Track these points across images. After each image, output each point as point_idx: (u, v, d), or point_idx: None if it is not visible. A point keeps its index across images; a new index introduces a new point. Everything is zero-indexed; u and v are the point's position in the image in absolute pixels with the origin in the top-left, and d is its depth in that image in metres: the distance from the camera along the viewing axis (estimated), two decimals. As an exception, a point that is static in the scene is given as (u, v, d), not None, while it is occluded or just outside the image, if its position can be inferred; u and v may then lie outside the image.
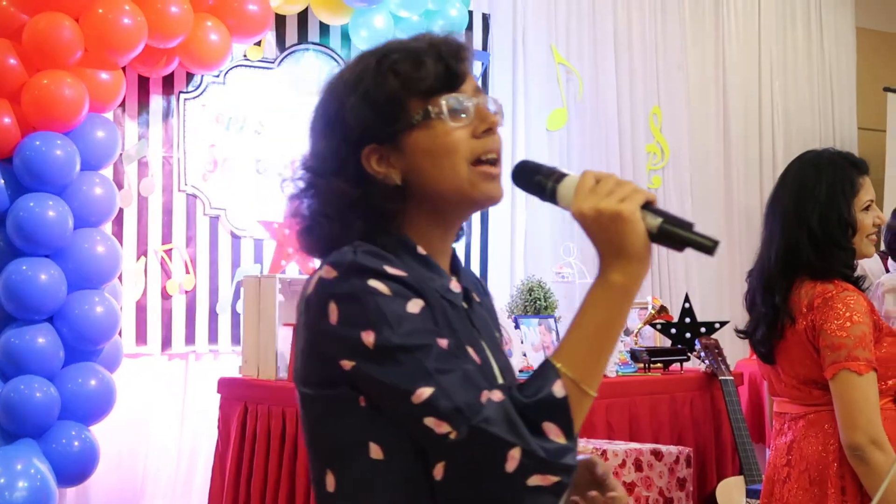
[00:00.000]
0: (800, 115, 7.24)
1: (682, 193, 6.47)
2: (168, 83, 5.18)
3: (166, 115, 5.19)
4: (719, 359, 4.41)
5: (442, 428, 1.34)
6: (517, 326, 4.41)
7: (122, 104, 4.99)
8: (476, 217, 5.93)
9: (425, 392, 1.35)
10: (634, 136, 6.42)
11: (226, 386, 4.35)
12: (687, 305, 4.57)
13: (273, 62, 5.48)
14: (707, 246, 1.41)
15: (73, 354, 4.50)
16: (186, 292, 5.21)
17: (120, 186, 5.01)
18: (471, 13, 5.92)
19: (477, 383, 1.38)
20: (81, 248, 4.51)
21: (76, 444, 4.44)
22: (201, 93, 5.29)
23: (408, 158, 1.49)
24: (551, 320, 4.48)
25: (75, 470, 4.45)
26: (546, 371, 1.40)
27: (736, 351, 5.14)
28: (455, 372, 1.37)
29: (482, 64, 6.01)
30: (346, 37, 5.56)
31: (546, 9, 6.19)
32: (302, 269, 4.69)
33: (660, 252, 6.31)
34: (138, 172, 5.13)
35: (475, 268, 5.87)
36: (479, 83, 5.91)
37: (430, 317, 1.42)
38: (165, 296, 5.16)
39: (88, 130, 4.58)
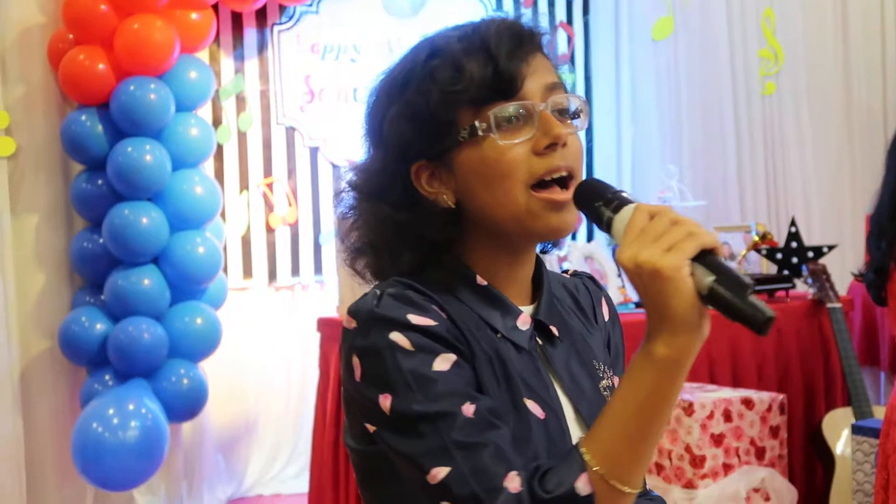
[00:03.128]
0: (926, 9, 6.81)
1: (797, 100, 6.17)
2: (261, 16, 5.17)
3: (261, 48, 5.18)
4: (827, 285, 4.24)
5: None
6: (615, 256, 4.31)
7: (217, 40, 4.99)
8: (580, 135, 5.79)
9: (441, 472, 1.18)
10: (746, 42, 6.13)
11: (324, 326, 4.39)
12: (793, 230, 4.39)
13: (366, -13, 5.40)
14: (757, 322, 1.10)
15: (178, 294, 4.59)
16: (290, 225, 5.25)
17: (218, 122, 5.04)
18: (569, -77, 5.72)
19: (505, 460, 1.18)
20: (181, 190, 4.57)
21: (185, 381, 4.55)
22: (295, 23, 5.26)
23: (459, 179, 1.29)
24: (651, 249, 4.37)
25: (185, 407, 4.58)
26: (571, 460, 1.18)
27: (847, 274, 4.93)
28: (480, 448, 1.19)
29: (583, -25, 5.82)
30: (439, -42, 5.44)
31: (649, -87, 5.92)
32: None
33: (776, 164, 6.06)
34: (236, 107, 5.15)
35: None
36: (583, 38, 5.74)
37: (461, 374, 1.23)
38: (269, 229, 5.21)
39: (181, 72, 4.60)
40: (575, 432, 1.31)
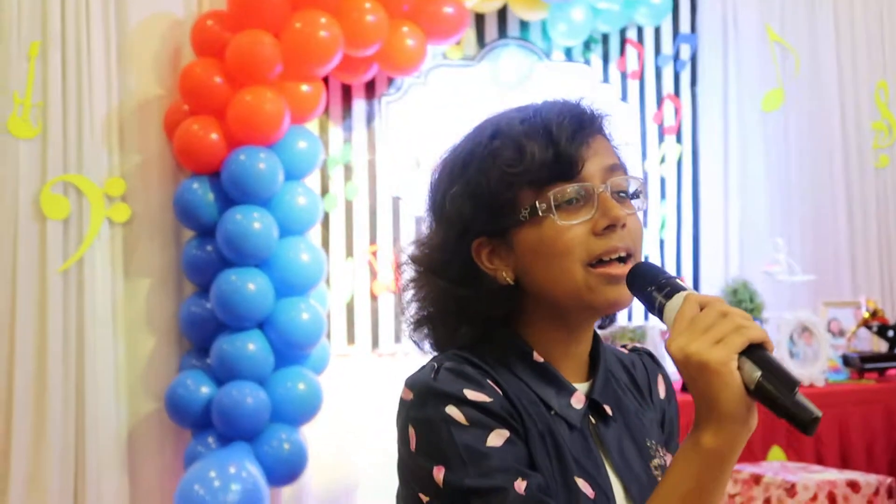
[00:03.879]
0: None
1: (912, 173, 6.05)
2: (370, 88, 5.27)
3: (370, 119, 5.28)
4: (941, 365, 4.11)
5: None
6: (665, 345, 4.24)
7: (327, 111, 5.11)
8: (687, 207, 5.76)
9: None
10: (858, 113, 6.04)
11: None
12: (905, 307, 4.28)
13: (473, 60, 5.47)
14: (804, 421, 1.13)
15: (282, 359, 4.66)
16: (393, 293, 5.30)
17: (326, 191, 5.14)
18: (677, -4, 5.74)
19: None
20: (286, 256, 4.65)
21: (286, 446, 4.60)
22: (403, 94, 5.35)
23: (519, 256, 1.33)
24: (756, 324, 4.29)
25: (286, 471, 4.62)
26: None
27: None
28: None
29: (690, 47, 5.80)
30: (546, 31, 5.48)
31: (758, -15, 5.90)
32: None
33: (891, 238, 5.91)
34: (344, 176, 5.24)
35: (686, 265, 5.69)
36: (689, 69, 5.74)
37: (514, 450, 1.26)
38: (373, 296, 5.27)
39: (290, 142, 4.71)
40: None
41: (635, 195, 1.35)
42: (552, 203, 1.30)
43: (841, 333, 4.45)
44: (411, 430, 1.29)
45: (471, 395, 1.27)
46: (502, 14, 5.47)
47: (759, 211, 5.79)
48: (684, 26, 5.80)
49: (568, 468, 1.29)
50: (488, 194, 1.32)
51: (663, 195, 5.72)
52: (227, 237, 4.53)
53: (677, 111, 5.78)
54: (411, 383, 1.32)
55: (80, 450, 4.64)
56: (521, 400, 1.31)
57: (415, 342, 1.43)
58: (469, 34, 5.41)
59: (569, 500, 1.28)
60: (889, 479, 3.48)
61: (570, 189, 1.30)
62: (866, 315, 4.39)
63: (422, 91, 5.38)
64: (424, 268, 1.39)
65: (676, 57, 5.79)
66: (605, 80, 5.66)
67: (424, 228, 1.43)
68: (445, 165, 1.40)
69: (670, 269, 5.65)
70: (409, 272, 1.41)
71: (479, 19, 5.44)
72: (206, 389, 4.59)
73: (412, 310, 1.41)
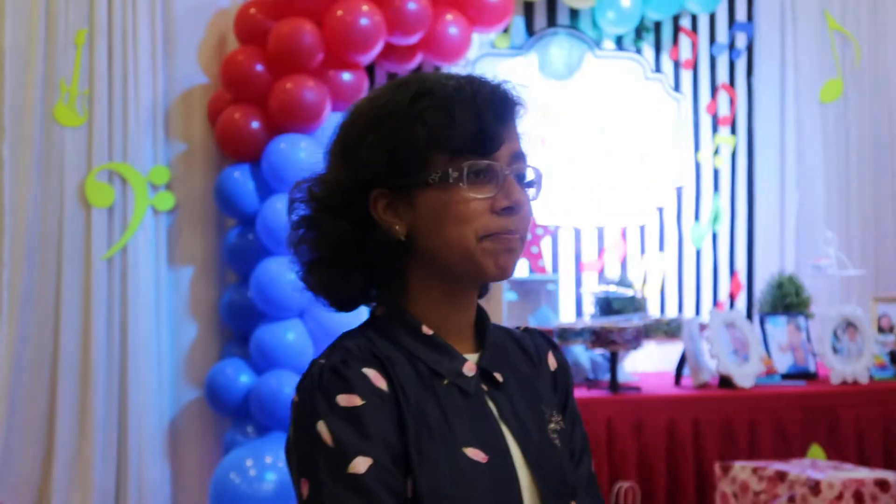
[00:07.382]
0: None
1: (978, 166, 5.85)
2: (416, 77, 5.22)
3: (415, 108, 5.23)
4: None
5: None
6: (763, 325, 4.13)
7: (372, 100, 5.07)
8: (741, 200, 5.63)
9: None
10: (923, 105, 5.86)
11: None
12: (959, 303, 4.12)
13: (522, 49, 5.40)
14: None
15: (321, 350, 4.63)
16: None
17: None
18: (732, -17, 5.62)
19: None
20: (327, 246, 4.62)
21: (325, 436, 4.57)
22: (449, 84, 5.29)
23: (417, 215, 1.34)
24: (801, 318, 4.16)
25: (324, 461, 4.60)
26: None
27: None
28: None
29: (747, 36, 5.67)
30: (595, 20, 5.39)
31: (818, -28, 5.74)
32: (533, 267, 4.61)
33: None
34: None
35: (740, 259, 5.57)
36: (744, 58, 5.60)
37: (375, 475, 1.27)
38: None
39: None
40: (523, 476, 1.35)
41: (531, 184, 1.39)
42: (465, 174, 1.33)
43: (891, 329, 4.30)
44: (292, 431, 1.33)
45: (343, 400, 1.28)
46: (551, 2, 5.40)
47: (817, 204, 5.64)
48: (740, 14, 5.67)
49: (452, 441, 1.32)
50: (404, 150, 1.33)
51: (717, 187, 5.60)
52: (266, 226, 4.52)
53: (732, 101, 5.65)
54: (298, 387, 1.33)
55: (123, 435, 4.67)
56: (408, 380, 1.34)
57: (306, 287, 1.41)
58: (517, 23, 5.35)
59: (453, 473, 1.30)
60: (923, 479, 3.34)
61: (484, 164, 1.34)
62: (917, 310, 4.24)
63: (469, 80, 5.31)
64: (324, 206, 1.38)
65: (732, 46, 5.66)
66: (658, 69, 5.55)
67: (323, 168, 1.41)
68: (362, 113, 1.38)
69: (724, 264, 5.55)
70: (302, 210, 1.40)
71: (528, 8, 5.38)
72: (245, 378, 4.59)
73: (303, 252, 1.39)
